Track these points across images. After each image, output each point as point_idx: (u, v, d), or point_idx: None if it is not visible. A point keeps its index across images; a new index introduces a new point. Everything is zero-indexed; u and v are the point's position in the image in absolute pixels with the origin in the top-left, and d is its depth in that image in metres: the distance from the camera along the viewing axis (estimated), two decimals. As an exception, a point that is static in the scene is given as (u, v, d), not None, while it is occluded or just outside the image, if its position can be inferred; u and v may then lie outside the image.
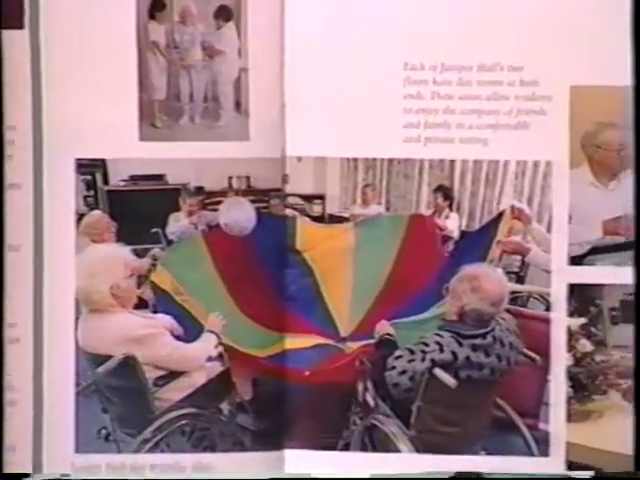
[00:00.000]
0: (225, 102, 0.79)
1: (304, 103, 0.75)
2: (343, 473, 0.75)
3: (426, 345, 0.77)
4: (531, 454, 0.76)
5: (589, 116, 0.74)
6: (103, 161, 0.79)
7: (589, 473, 0.77)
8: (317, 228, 0.85)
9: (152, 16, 0.76)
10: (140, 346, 0.78)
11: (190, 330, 0.82)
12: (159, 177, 0.81)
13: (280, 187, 0.77)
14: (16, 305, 0.74)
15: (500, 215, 0.82)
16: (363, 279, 0.85)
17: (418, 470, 0.76)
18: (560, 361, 0.76)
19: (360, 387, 0.81)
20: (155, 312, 0.84)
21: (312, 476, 0.77)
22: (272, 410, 0.78)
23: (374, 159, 0.80)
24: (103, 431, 0.79)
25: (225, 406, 0.81)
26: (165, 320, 0.82)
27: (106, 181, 0.82)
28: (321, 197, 0.86)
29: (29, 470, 0.75)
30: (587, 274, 0.76)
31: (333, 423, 0.80)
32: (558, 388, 0.76)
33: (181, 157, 0.77)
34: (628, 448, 0.74)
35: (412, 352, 0.77)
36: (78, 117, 0.75)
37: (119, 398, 0.79)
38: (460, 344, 0.76)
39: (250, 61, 0.76)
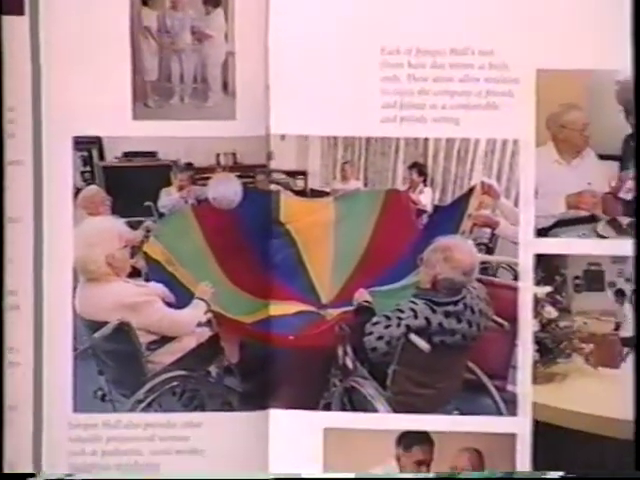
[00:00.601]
0: (213, 83, 0.80)
1: (287, 85, 0.76)
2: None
3: (402, 312, 0.79)
4: (500, 414, 0.78)
5: (554, 98, 0.76)
6: (99, 139, 0.79)
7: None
8: (300, 202, 0.85)
9: (145, 3, 0.78)
10: (134, 312, 0.80)
11: (181, 297, 0.83)
12: (151, 154, 0.81)
13: (265, 163, 0.79)
14: (17, 274, 0.75)
15: (471, 190, 0.83)
16: (343, 250, 0.86)
17: (394, 428, 0.78)
18: (527, 327, 0.77)
19: (340, 351, 0.82)
20: (148, 280, 0.85)
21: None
22: (257, 372, 0.79)
23: (353, 137, 0.79)
24: (99, 392, 0.81)
25: (213, 369, 0.83)
26: (157, 288, 0.83)
27: (102, 157, 0.82)
28: (303, 173, 0.86)
29: (29, 430, 0.76)
30: (552, 245, 0.78)
31: (315, 385, 0.82)
32: (525, 352, 0.78)
33: (172, 135, 0.79)
34: (590, 407, 0.76)
35: (388, 318, 0.79)
36: (75, 98, 0.76)
37: (114, 361, 0.81)
38: (433, 311, 0.79)
39: (237, 45, 0.78)
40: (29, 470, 0.77)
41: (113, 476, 0.77)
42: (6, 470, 0.77)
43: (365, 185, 0.88)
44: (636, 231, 0.76)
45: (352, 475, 0.78)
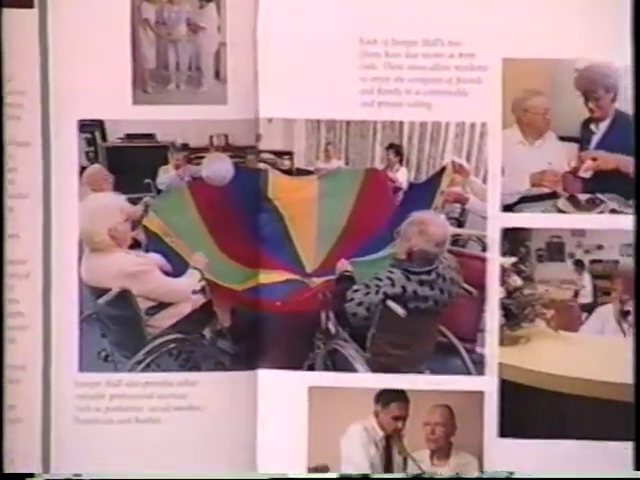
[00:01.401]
0: (206, 71, 0.82)
1: (274, 72, 0.78)
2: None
3: (380, 280, 0.82)
4: (469, 373, 0.80)
5: (519, 84, 0.78)
6: (101, 122, 0.81)
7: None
8: (286, 179, 0.85)
9: (145, -4, 0.80)
10: (134, 280, 0.82)
11: (177, 267, 0.85)
12: (150, 135, 0.82)
13: (254, 144, 0.80)
14: (27, 245, 0.78)
15: (443, 169, 0.85)
16: (326, 223, 0.86)
17: (373, 387, 0.80)
18: (494, 294, 0.79)
19: (323, 316, 0.84)
20: (147, 251, 0.86)
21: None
22: (247, 336, 0.81)
23: (335, 121, 0.80)
24: (103, 353, 0.82)
25: (207, 332, 0.84)
26: (155, 258, 0.85)
27: (104, 139, 0.82)
28: (289, 153, 0.86)
29: (39, 389, 0.78)
30: (517, 220, 0.79)
31: (300, 347, 0.83)
32: (492, 317, 0.79)
33: (169, 118, 0.80)
34: (552, 367, 0.79)
35: (368, 286, 0.82)
36: (80, 84, 0.78)
37: (116, 325, 0.83)
38: (409, 279, 0.82)
39: (228, 36, 0.80)
40: (38, 426, 0.78)
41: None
42: (11, 429, 0.77)
43: (346, 164, 0.88)
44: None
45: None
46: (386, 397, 0.80)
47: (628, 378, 0.77)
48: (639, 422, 0.76)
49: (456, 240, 0.84)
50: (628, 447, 0.77)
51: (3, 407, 0.78)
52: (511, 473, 0.78)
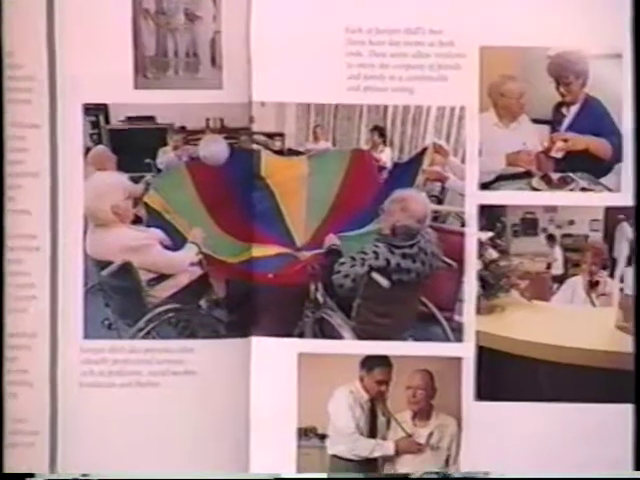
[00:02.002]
0: (203, 58, 0.83)
1: (266, 59, 0.80)
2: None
3: (365, 254, 0.84)
4: (448, 340, 0.82)
5: (495, 70, 0.80)
6: (105, 105, 0.82)
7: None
8: (278, 159, 0.86)
9: (145, -13, 0.80)
10: (136, 254, 0.85)
11: (176, 241, 0.87)
12: (150, 118, 0.83)
13: (248, 126, 0.82)
14: (36, 220, 0.80)
15: (424, 150, 0.86)
16: (315, 200, 0.88)
17: (358, 353, 0.82)
18: (472, 266, 0.82)
19: (312, 287, 0.86)
20: (148, 227, 0.88)
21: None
22: (241, 305, 0.83)
23: (323, 104, 0.82)
24: (106, 321, 0.84)
25: (204, 302, 0.86)
26: (156, 233, 0.87)
27: (107, 121, 0.84)
28: (281, 134, 0.86)
29: (47, 354, 0.80)
30: (494, 197, 0.82)
31: (290, 316, 0.85)
32: (470, 288, 0.82)
33: (168, 102, 0.82)
34: (525, 335, 0.82)
35: (354, 259, 0.84)
36: (85, 70, 0.80)
37: (119, 295, 0.85)
38: (392, 253, 0.85)
39: (223, 25, 0.81)
40: (46, 389, 0.80)
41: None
42: (22, 391, 0.79)
43: (334, 145, 0.88)
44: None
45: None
46: (371, 362, 0.82)
47: (596, 344, 0.81)
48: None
49: (436, 216, 0.86)
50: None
51: (3, 381, 0.80)
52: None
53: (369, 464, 0.83)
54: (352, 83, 0.81)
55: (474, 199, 0.82)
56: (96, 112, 0.83)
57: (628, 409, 0.80)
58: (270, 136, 0.86)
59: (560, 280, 0.86)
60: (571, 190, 0.82)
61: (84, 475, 0.80)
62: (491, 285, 0.83)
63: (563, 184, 0.82)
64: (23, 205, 0.80)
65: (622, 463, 0.79)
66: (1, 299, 0.80)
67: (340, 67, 0.80)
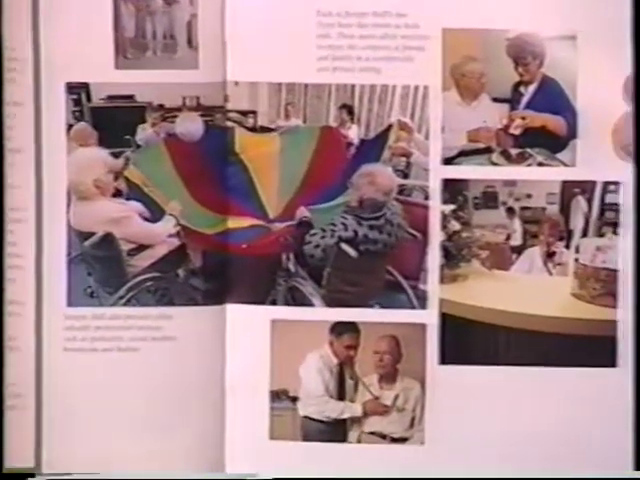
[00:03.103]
0: (180, 40, 0.84)
1: (240, 40, 0.81)
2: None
3: (334, 225, 0.86)
4: (413, 307, 0.84)
5: (457, 51, 0.81)
6: (87, 84, 0.83)
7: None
8: (251, 136, 0.87)
9: (124, -28, 0.80)
10: (116, 225, 0.86)
11: (155, 213, 0.88)
12: (130, 97, 0.84)
13: (222, 105, 0.83)
14: (20, 194, 0.82)
15: (390, 127, 0.87)
16: (286, 175, 0.89)
17: (328, 319, 0.84)
18: (435, 237, 0.83)
19: (284, 257, 0.88)
20: (128, 200, 0.88)
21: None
22: (217, 275, 0.84)
23: (294, 84, 0.83)
24: (88, 290, 0.86)
25: (181, 271, 0.88)
26: (136, 206, 0.88)
27: (89, 99, 0.84)
28: (254, 112, 0.85)
29: (32, 320, 0.82)
30: (456, 172, 0.83)
31: (263, 284, 0.87)
32: (433, 258, 0.83)
33: (146, 82, 0.83)
34: (486, 302, 0.83)
35: (324, 231, 0.86)
36: (68, 50, 0.81)
37: (100, 265, 0.86)
38: (360, 224, 0.86)
39: (199, 8, 0.82)
40: (32, 354, 0.81)
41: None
42: (11, 357, 0.81)
43: (304, 122, 0.86)
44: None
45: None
46: (340, 328, 0.84)
47: (552, 311, 0.83)
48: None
49: (402, 190, 0.87)
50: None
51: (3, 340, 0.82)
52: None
53: (338, 425, 0.85)
54: (322, 64, 0.82)
55: (437, 173, 0.83)
56: (78, 91, 0.84)
57: (582, 373, 0.82)
58: (244, 114, 0.86)
59: (519, 251, 0.87)
60: (529, 165, 0.83)
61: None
62: (454, 255, 0.84)
63: (521, 159, 0.84)
64: (13, 180, 0.82)
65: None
66: (1, 269, 0.82)
67: (310, 48, 0.82)
